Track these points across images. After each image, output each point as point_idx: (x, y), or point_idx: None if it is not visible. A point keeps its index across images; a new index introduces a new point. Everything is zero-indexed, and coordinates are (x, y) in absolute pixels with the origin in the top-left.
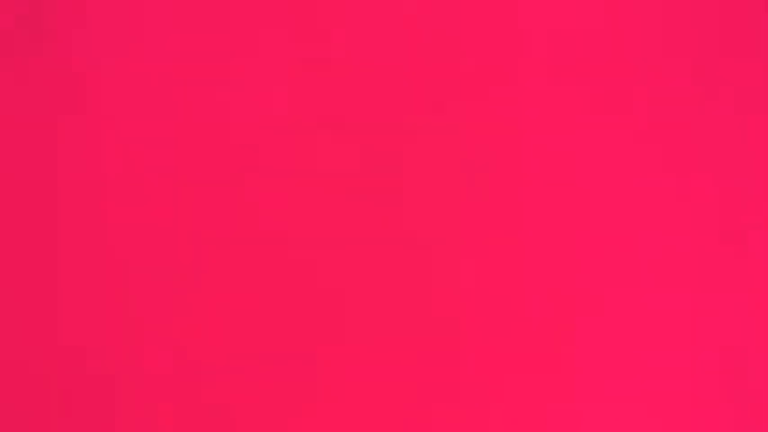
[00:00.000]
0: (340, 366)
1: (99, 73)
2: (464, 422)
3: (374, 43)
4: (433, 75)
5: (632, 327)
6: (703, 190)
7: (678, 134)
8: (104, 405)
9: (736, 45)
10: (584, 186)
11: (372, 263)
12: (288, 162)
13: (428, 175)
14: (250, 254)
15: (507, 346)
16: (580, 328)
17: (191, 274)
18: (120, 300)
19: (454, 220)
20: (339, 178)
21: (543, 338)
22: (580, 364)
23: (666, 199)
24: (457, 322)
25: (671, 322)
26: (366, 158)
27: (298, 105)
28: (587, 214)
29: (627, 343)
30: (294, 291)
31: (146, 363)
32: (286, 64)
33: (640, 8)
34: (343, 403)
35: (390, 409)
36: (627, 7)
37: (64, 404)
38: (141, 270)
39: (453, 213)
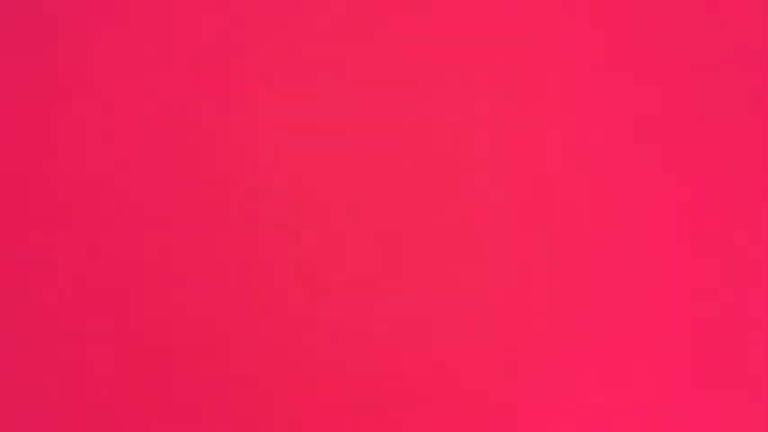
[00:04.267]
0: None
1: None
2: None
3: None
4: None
5: (627, 329)
6: (695, 191)
7: (673, 134)
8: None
9: (734, 46)
10: (579, 184)
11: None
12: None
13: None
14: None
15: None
16: (574, 328)
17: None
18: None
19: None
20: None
21: (537, 334)
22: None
23: (662, 198)
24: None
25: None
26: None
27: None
28: (583, 212)
29: (622, 344)
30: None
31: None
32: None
33: (636, 10)
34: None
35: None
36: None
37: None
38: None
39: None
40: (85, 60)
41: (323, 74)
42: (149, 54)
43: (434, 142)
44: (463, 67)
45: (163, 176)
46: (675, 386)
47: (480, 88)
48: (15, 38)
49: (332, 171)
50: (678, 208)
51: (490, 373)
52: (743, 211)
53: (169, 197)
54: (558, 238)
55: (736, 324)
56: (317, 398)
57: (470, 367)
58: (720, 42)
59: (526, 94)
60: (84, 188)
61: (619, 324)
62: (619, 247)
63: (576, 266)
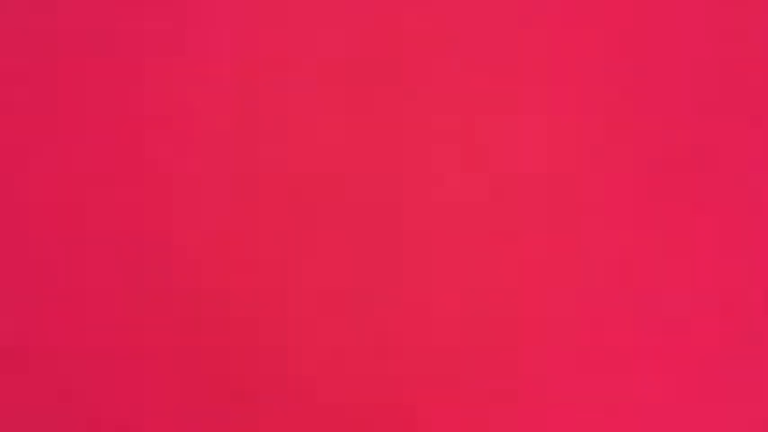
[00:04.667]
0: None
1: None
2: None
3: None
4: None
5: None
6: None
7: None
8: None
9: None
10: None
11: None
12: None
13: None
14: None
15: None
16: (577, 330)
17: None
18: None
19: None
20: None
21: (537, 335)
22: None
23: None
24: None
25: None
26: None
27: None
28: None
29: (621, 347)
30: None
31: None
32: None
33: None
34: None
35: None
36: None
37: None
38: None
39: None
40: (93, 60)
41: (323, 71)
42: (151, 50)
43: (437, 141)
44: (463, 67)
45: (166, 176)
46: (675, 386)
47: (482, 88)
48: (16, 38)
49: (336, 168)
50: (679, 206)
51: (491, 373)
52: (744, 211)
53: (173, 196)
54: (559, 239)
55: (736, 324)
56: (318, 397)
57: (472, 367)
58: (722, 39)
59: (529, 93)
60: (87, 186)
61: (619, 323)
62: (620, 246)
63: (577, 265)
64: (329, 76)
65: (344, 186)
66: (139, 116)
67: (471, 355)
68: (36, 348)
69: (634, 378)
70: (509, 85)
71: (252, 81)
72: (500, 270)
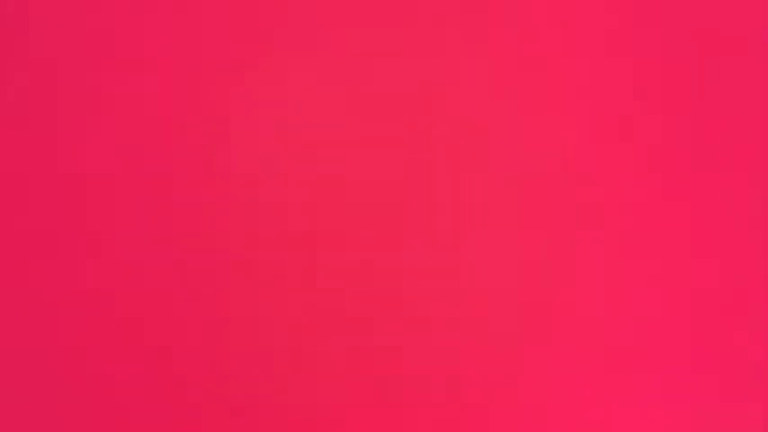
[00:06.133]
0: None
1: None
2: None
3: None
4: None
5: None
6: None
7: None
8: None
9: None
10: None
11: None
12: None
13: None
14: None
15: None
16: (577, 329)
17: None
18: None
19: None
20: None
21: (538, 328)
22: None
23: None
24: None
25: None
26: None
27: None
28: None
29: (621, 348)
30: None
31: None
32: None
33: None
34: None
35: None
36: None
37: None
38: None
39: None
40: (92, 62)
41: (323, 72)
42: (151, 55)
43: (432, 140)
44: (463, 66)
45: (164, 175)
46: (675, 386)
47: (479, 87)
48: (17, 41)
49: (333, 169)
50: (678, 207)
51: (491, 374)
52: (743, 211)
53: (170, 196)
54: (559, 238)
55: (736, 324)
56: (316, 398)
57: (471, 368)
58: (720, 39)
59: (526, 93)
60: (88, 192)
61: (619, 323)
62: (620, 246)
63: (577, 265)
64: (328, 74)
65: (348, 186)
66: (141, 116)
67: (471, 357)
68: (35, 348)
69: (635, 378)
70: (512, 83)
71: (252, 81)
72: (501, 269)
